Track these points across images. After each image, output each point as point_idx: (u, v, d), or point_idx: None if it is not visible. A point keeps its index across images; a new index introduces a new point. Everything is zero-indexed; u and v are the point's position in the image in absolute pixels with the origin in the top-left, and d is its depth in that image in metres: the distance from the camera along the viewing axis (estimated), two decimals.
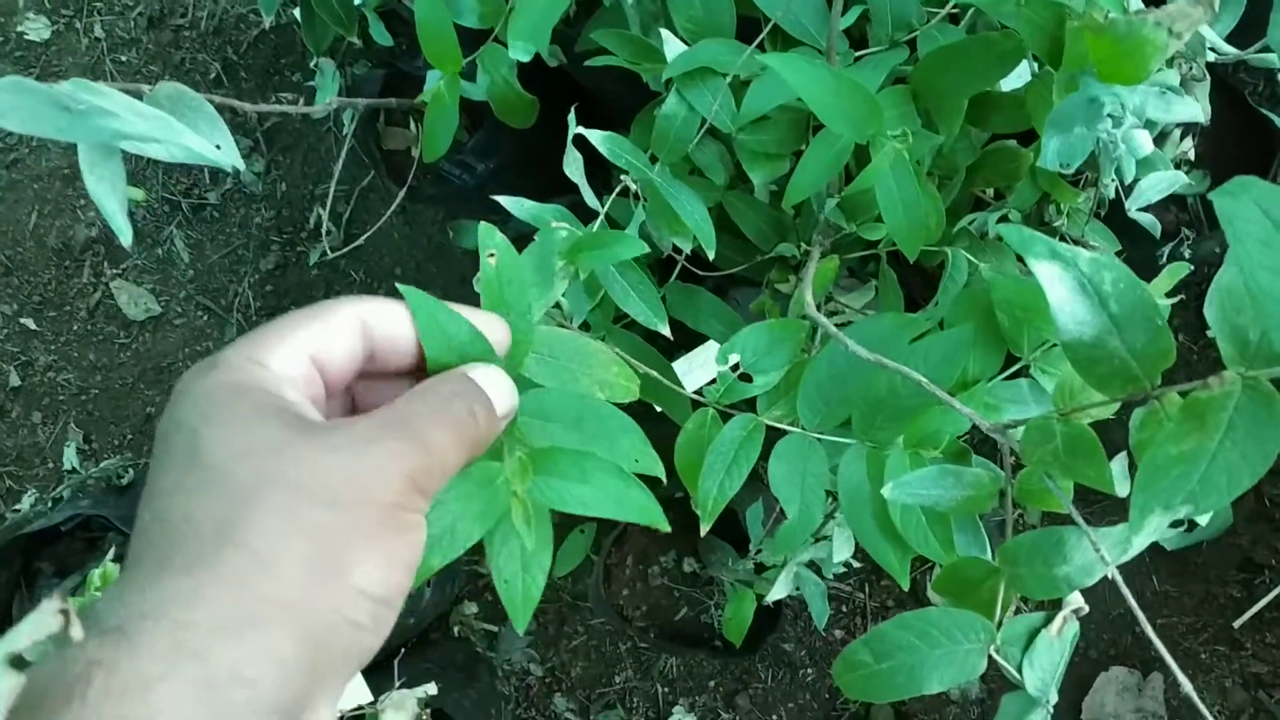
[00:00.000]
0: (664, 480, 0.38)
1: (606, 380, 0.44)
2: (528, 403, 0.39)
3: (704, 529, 0.60)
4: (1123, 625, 1.22)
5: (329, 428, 0.30)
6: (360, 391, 0.36)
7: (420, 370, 0.35)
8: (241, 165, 0.73)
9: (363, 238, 1.24)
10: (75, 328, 1.47)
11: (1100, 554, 0.46)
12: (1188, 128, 0.86)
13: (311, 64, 1.03)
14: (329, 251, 1.31)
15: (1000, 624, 0.49)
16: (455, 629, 1.28)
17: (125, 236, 0.70)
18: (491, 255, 0.41)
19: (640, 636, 1.18)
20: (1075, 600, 0.49)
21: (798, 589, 0.82)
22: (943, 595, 0.53)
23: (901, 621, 0.49)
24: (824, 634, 1.26)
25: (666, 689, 1.26)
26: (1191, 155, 0.89)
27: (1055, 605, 0.50)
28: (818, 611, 0.82)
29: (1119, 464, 0.47)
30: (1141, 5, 0.54)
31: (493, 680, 1.23)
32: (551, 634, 1.30)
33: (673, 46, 0.69)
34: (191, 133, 0.69)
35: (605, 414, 0.39)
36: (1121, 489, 0.46)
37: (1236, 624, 1.18)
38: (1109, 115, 0.49)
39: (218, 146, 0.74)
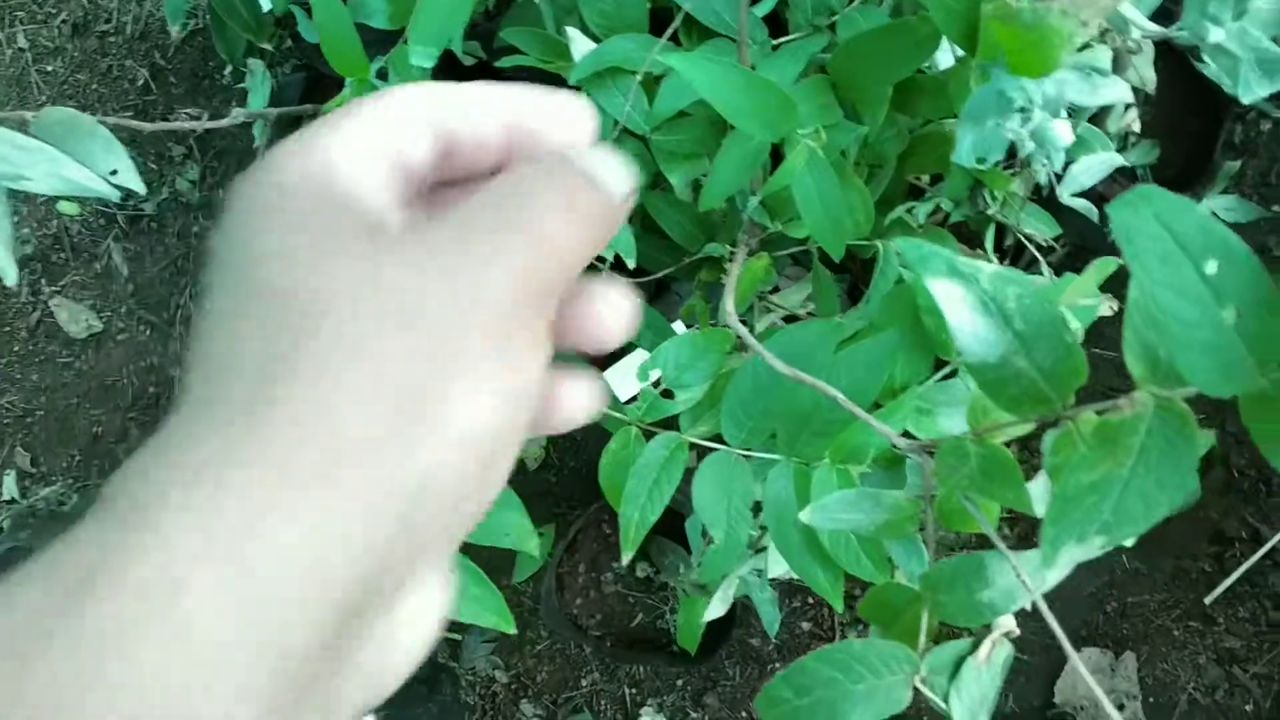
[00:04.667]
0: (536, 555, 0.37)
1: None
2: None
3: (625, 557, 0.57)
4: (1094, 604, 1.20)
5: (412, 235, 0.23)
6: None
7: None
8: (141, 188, 0.69)
9: None
10: (16, 348, 1.43)
11: (1022, 579, 0.43)
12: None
13: (226, 70, 0.99)
14: None
15: (925, 653, 0.46)
16: None
17: (9, 277, 0.66)
18: None
19: (596, 646, 1.16)
20: (1005, 624, 0.47)
21: (746, 596, 0.79)
22: (869, 621, 0.50)
23: (823, 654, 0.46)
24: (792, 629, 1.23)
25: (634, 690, 1.24)
26: (1137, 127, 0.86)
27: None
28: (768, 619, 0.79)
29: (1040, 484, 0.44)
30: None
31: (456, 690, 1.21)
32: (515, 639, 1.28)
33: (580, 45, 0.66)
34: (73, 162, 0.65)
35: None
36: (1041, 509, 0.43)
37: (1208, 599, 1.16)
38: (1019, 109, 0.46)
39: (114, 171, 0.70)
